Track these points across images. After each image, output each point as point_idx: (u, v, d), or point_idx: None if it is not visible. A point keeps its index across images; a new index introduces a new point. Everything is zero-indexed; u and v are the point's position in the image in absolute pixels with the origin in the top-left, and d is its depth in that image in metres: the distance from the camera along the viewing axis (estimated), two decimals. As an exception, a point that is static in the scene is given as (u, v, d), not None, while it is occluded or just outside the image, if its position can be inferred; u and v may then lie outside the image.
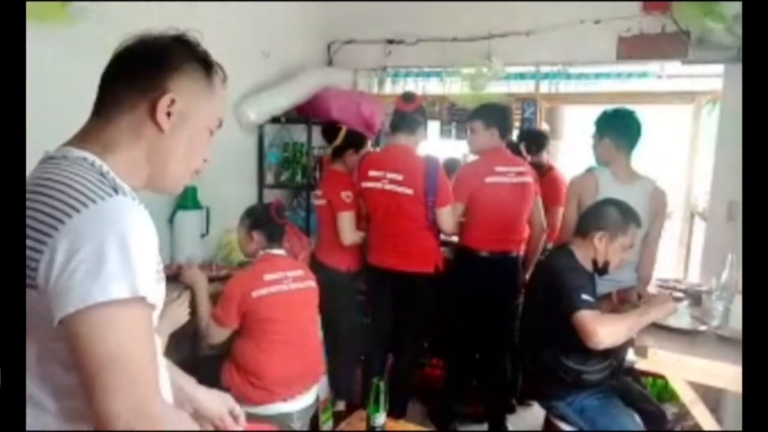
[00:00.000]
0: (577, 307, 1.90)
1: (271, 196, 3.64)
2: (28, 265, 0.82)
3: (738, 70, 2.69)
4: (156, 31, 0.98)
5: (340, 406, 3.14)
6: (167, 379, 1.10)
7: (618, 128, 2.55)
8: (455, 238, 3.08)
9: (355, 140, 3.16)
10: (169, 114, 0.96)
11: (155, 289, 0.89)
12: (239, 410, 1.43)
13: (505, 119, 3.00)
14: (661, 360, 1.82)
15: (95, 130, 0.96)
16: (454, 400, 3.12)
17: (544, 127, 4.07)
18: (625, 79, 3.68)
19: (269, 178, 3.75)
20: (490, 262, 2.88)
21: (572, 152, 4.42)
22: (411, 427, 1.74)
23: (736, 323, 1.90)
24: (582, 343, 1.90)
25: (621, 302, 2.24)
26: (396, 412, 2.29)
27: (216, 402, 1.41)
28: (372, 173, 2.81)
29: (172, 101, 0.95)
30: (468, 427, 3.13)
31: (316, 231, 3.32)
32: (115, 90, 0.96)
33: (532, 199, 2.96)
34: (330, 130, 3.22)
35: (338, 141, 3.11)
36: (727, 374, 1.71)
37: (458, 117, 4.18)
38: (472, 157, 3.22)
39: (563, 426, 2.13)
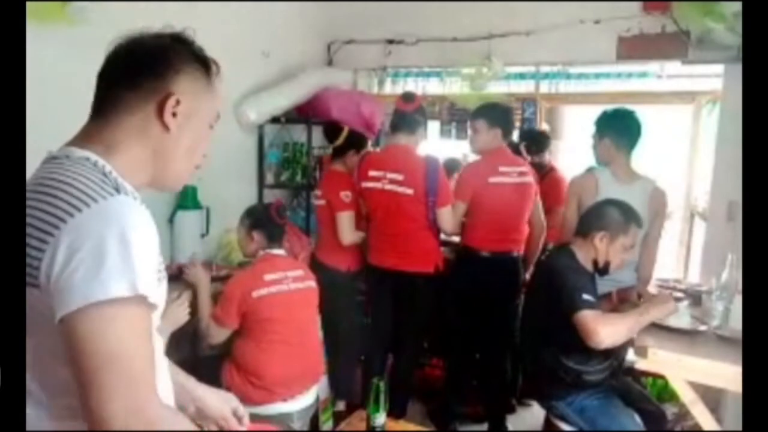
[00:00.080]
0: (578, 307, 1.90)
1: (271, 196, 3.64)
2: (31, 264, 0.82)
3: (738, 70, 2.69)
4: (150, 30, 0.99)
5: (340, 406, 3.14)
6: (168, 379, 1.10)
7: (618, 128, 2.55)
8: (456, 238, 3.09)
9: (357, 141, 3.16)
10: (174, 114, 0.97)
11: (157, 289, 0.89)
12: (243, 410, 1.41)
13: (508, 119, 3.00)
14: (661, 360, 1.82)
15: (97, 130, 0.96)
16: (454, 400, 3.12)
17: (544, 127, 4.06)
18: (625, 79, 3.68)
19: (269, 178, 3.74)
20: (490, 262, 2.88)
21: (572, 152, 4.41)
22: (411, 427, 1.73)
23: (736, 323, 1.90)
24: (582, 343, 1.90)
25: (621, 302, 2.23)
26: (396, 412, 2.29)
27: (219, 402, 1.40)
28: (372, 173, 2.82)
29: (178, 102, 0.97)
30: (468, 427, 3.13)
31: (316, 231, 3.32)
32: (117, 91, 0.96)
33: (533, 199, 2.96)
34: (332, 130, 3.22)
35: (340, 141, 3.11)
36: (727, 374, 1.71)
37: (458, 117, 4.18)
38: (472, 157, 3.22)
39: (563, 426, 2.13)
